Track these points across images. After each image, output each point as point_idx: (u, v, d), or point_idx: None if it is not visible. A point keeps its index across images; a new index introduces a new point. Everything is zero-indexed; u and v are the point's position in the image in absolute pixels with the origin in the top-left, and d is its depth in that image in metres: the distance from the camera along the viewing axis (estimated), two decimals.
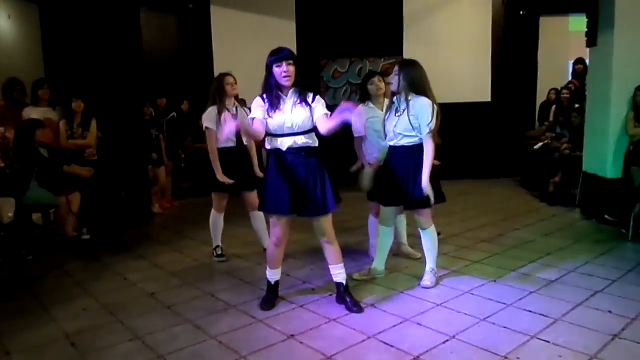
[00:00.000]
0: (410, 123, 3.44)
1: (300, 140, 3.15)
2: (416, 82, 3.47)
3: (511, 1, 8.57)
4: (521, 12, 8.61)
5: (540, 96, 8.68)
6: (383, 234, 3.81)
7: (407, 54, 8.29)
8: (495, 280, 3.78)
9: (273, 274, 3.45)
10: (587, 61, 6.54)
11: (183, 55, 8.70)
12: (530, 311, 3.20)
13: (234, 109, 4.29)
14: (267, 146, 3.23)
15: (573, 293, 3.47)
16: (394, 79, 3.54)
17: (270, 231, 3.33)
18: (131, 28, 8.11)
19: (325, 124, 3.09)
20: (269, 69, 3.17)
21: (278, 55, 3.13)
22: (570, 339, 2.83)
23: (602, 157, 5.51)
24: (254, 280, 3.94)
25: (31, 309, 3.51)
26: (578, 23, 7.92)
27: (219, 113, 4.18)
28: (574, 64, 8.09)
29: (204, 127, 4.23)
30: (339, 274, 3.37)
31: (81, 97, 5.55)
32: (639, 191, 4.80)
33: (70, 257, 4.72)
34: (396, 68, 3.56)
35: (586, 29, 5.77)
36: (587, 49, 5.92)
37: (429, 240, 3.69)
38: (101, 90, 6.63)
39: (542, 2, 8.48)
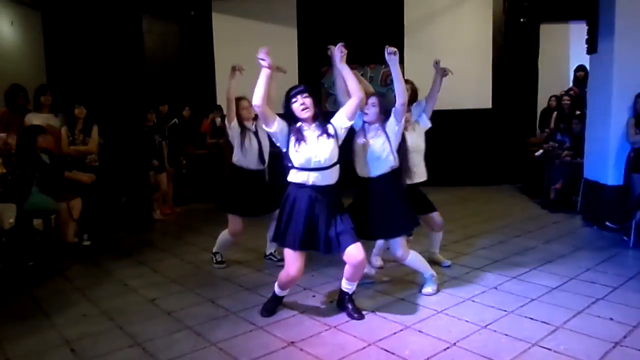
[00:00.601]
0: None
1: (326, 175, 3.13)
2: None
3: (512, 9, 8.60)
4: (522, 20, 8.64)
5: (541, 103, 8.68)
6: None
7: (408, 62, 8.32)
8: (496, 288, 3.77)
9: (282, 292, 3.41)
10: (587, 68, 6.56)
11: (185, 62, 8.74)
12: (531, 318, 3.19)
13: (254, 126, 4.22)
14: (291, 179, 3.19)
15: (574, 300, 3.46)
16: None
17: (288, 263, 3.20)
18: (133, 35, 8.15)
19: (348, 89, 3.24)
20: (288, 108, 3.18)
21: (293, 91, 3.17)
22: (572, 346, 2.82)
23: (603, 164, 5.51)
24: (254, 286, 3.93)
25: (31, 314, 3.51)
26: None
27: (242, 134, 4.15)
28: (575, 71, 8.10)
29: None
30: (348, 288, 3.34)
31: (83, 103, 5.57)
32: None
33: (71, 263, 4.72)
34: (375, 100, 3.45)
35: (587, 37, 5.79)
36: (588, 56, 5.94)
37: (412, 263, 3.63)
38: (103, 97, 6.66)
39: (542, 10, 8.51)
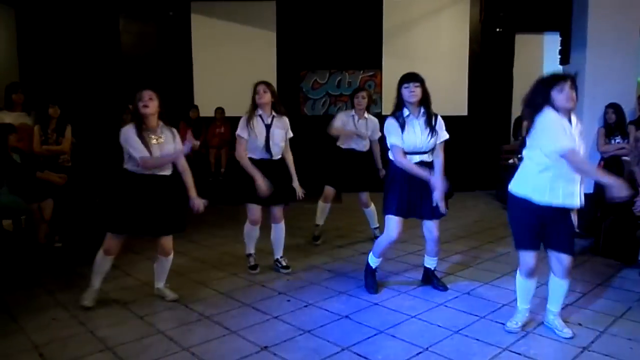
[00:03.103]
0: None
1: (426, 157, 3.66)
2: None
3: (488, 19, 8.75)
4: (498, 30, 8.80)
5: (516, 111, 8.84)
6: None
7: (386, 68, 8.40)
8: (469, 293, 3.83)
9: (378, 261, 3.88)
10: None
11: (162, 62, 8.65)
12: (502, 323, 3.24)
13: (270, 118, 4.14)
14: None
15: (545, 306, 3.52)
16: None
17: (391, 228, 3.65)
18: (110, 34, 8.05)
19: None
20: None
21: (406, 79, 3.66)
22: (542, 351, 2.88)
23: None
24: (228, 290, 3.91)
25: None
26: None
27: (248, 121, 4.12)
28: None
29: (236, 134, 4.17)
30: (431, 264, 3.94)
31: (57, 102, 5.47)
32: (609, 206, 4.91)
33: (41, 265, 4.62)
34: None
35: (560, 48, 5.93)
36: (561, 67, 6.08)
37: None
38: (77, 96, 6.56)
39: (518, 21, 8.68)
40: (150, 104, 3.50)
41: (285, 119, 4.23)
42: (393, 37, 8.74)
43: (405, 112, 3.64)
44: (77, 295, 3.83)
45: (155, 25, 8.69)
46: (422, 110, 3.67)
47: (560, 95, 2.86)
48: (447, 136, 3.74)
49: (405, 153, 3.59)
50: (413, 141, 3.59)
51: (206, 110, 8.23)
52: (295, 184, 4.30)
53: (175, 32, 8.78)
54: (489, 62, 8.83)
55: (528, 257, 3.05)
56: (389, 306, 3.57)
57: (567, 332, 3.04)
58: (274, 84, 4.26)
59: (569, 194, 2.88)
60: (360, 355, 2.85)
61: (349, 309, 3.51)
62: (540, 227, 2.97)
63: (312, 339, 3.07)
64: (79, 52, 7.69)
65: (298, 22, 8.69)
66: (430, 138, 3.63)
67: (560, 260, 3.00)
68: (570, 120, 2.93)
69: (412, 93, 3.60)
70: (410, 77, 3.66)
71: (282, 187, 4.20)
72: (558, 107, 2.87)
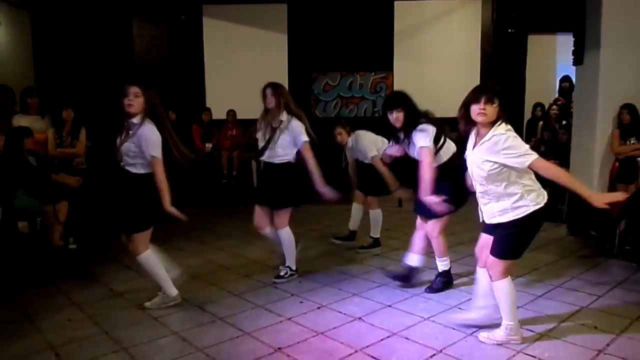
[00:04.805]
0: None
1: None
2: None
3: (501, 19, 8.71)
4: (510, 30, 8.75)
5: (528, 112, 8.79)
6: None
7: (397, 69, 8.39)
8: None
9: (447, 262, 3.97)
10: (573, 79, 6.65)
11: (175, 66, 8.72)
12: None
13: (278, 122, 4.06)
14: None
15: (559, 308, 3.50)
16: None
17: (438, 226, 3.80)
18: (123, 38, 8.13)
19: None
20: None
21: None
22: (556, 354, 2.85)
23: (589, 174, 5.58)
24: (242, 292, 3.92)
25: (15, 318, 3.47)
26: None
27: (257, 122, 4.17)
28: (561, 81, 8.21)
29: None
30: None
31: (71, 105, 5.53)
32: (624, 208, 4.86)
33: (56, 266, 4.67)
34: None
35: (573, 48, 5.88)
36: (574, 68, 6.03)
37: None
38: (91, 99, 6.62)
39: (530, 21, 8.64)
40: (135, 102, 3.40)
41: (294, 125, 4.01)
42: (404, 39, 8.73)
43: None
44: (92, 296, 3.88)
45: (167, 28, 8.77)
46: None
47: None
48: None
49: None
50: None
51: (218, 113, 8.27)
52: (320, 187, 3.99)
53: (187, 35, 8.85)
54: (501, 64, 8.79)
55: None
56: (402, 308, 3.56)
57: None
58: (286, 86, 4.23)
59: None
60: (373, 357, 2.84)
61: (362, 311, 3.51)
62: None
63: (326, 341, 3.06)
64: (92, 56, 7.77)
65: (309, 25, 8.72)
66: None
67: None
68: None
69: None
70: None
71: (280, 192, 4.06)
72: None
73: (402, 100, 3.72)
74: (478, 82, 8.61)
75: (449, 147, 3.83)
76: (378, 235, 5.10)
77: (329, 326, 3.26)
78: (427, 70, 8.38)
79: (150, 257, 3.58)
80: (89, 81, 7.54)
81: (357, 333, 3.17)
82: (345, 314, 3.47)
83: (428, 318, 3.38)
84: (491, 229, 3.03)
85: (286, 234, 4.14)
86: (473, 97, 2.89)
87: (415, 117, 3.69)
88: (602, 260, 4.68)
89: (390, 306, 3.60)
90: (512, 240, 2.92)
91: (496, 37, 8.77)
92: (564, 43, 7.99)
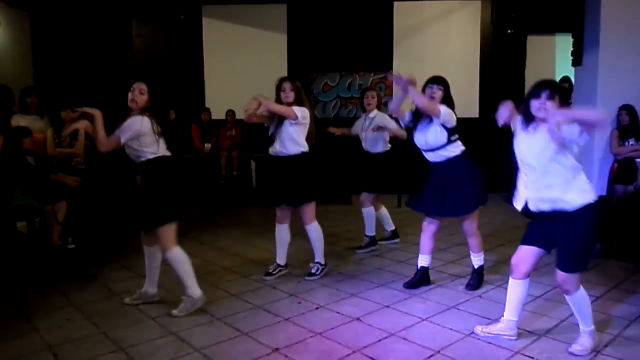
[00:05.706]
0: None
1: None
2: None
3: (500, 20, 8.71)
4: (509, 31, 8.75)
5: None
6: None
7: (396, 70, 8.34)
8: (481, 296, 3.81)
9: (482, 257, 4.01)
10: (572, 79, 6.66)
11: (174, 65, 8.72)
12: None
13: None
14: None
15: (557, 309, 3.50)
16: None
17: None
18: (122, 38, 8.13)
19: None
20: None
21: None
22: (554, 354, 2.86)
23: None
24: (239, 292, 3.92)
25: (13, 318, 3.46)
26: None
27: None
28: (560, 81, 8.21)
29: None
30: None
31: (70, 105, 5.53)
32: (623, 208, 4.86)
33: (54, 266, 4.67)
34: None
35: (572, 49, 5.89)
36: (573, 68, 6.04)
37: None
38: (90, 99, 6.61)
39: (529, 22, 8.63)
40: (139, 99, 3.46)
41: (296, 109, 3.94)
42: (404, 39, 8.74)
43: None
44: (91, 296, 3.88)
45: (167, 28, 8.76)
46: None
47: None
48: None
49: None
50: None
51: (217, 113, 8.28)
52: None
53: (186, 35, 8.85)
54: (501, 64, 8.79)
55: None
56: (400, 309, 3.56)
57: None
58: None
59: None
60: (371, 358, 2.84)
61: (360, 312, 3.51)
62: None
63: (323, 341, 3.07)
64: (92, 56, 7.78)
65: (309, 25, 8.73)
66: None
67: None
68: None
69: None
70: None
71: (290, 187, 4.02)
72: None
73: (445, 82, 3.97)
74: (477, 83, 8.75)
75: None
76: (373, 233, 5.11)
77: (326, 327, 3.26)
78: (426, 71, 8.27)
79: (180, 253, 3.47)
80: (88, 81, 7.54)
81: (355, 333, 3.17)
82: (343, 314, 3.47)
83: (426, 319, 3.38)
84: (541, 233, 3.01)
85: (314, 228, 4.12)
86: (533, 92, 2.92)
87: (451, 101, 3.95)
88: (600, 261, 4.68)
89: (388, 307, 3.61)
90: (577, 248, 2.87)
91: (495, 37, 8.77)
92: (563, 44, 8.01)
